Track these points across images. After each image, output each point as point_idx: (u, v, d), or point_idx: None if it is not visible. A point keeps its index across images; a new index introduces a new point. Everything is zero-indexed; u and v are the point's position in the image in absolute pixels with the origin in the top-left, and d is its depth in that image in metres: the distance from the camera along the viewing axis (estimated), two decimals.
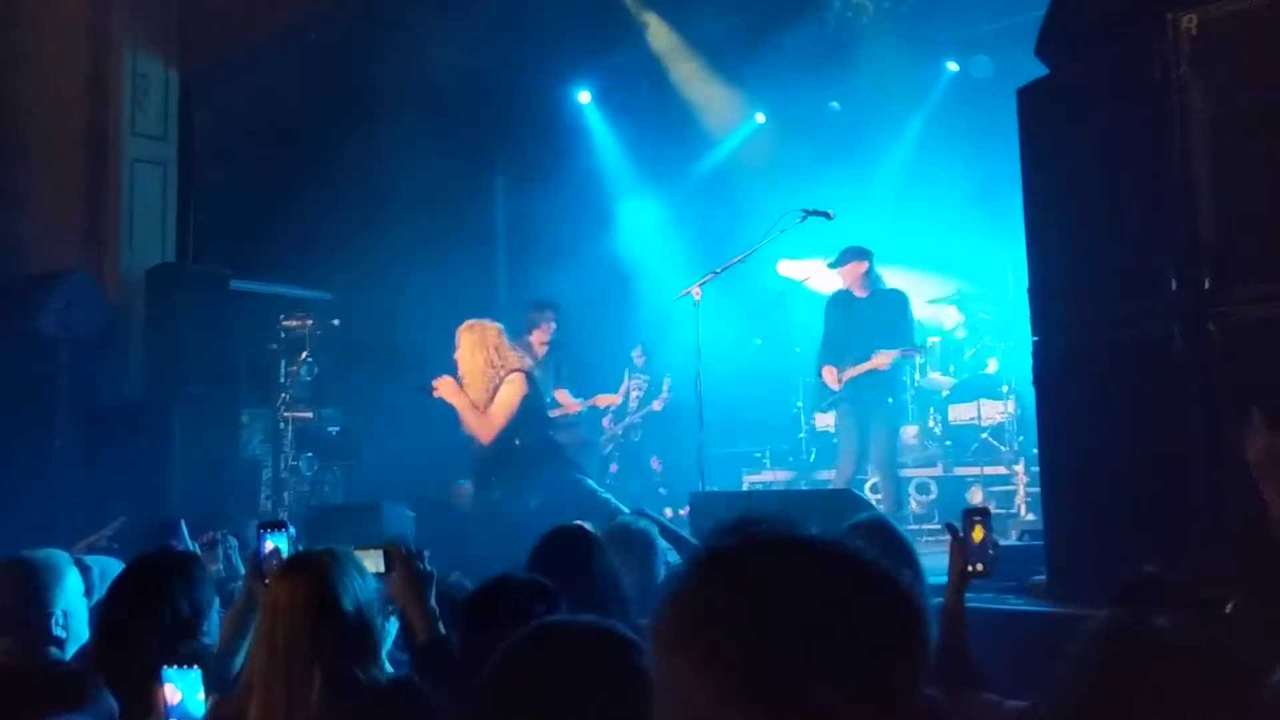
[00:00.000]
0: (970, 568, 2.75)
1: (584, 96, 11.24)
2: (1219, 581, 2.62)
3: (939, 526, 7.60)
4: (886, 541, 2.74)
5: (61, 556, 2.83)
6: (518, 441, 5.84)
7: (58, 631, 2.66)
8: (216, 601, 3.02)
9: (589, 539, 3.13)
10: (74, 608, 2.75)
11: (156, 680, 2.12)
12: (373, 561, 2.59)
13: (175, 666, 2.14)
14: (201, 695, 2.17)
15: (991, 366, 8.68)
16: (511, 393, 5.78)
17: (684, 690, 0.91)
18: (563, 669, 1.40)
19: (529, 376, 5.91)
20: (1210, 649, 1.38)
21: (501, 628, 2.20)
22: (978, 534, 2.76)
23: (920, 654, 0.94)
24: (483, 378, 5.83)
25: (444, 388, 5.89)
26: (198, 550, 3.80)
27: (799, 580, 0.92)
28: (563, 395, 7.96)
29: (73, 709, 2.03)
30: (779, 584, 0.91)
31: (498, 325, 6.05)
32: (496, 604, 2.33)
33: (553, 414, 7.30)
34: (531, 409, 5.90)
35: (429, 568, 2.66)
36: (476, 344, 5.88)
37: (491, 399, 5.82)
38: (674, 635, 0.94)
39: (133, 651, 2.59)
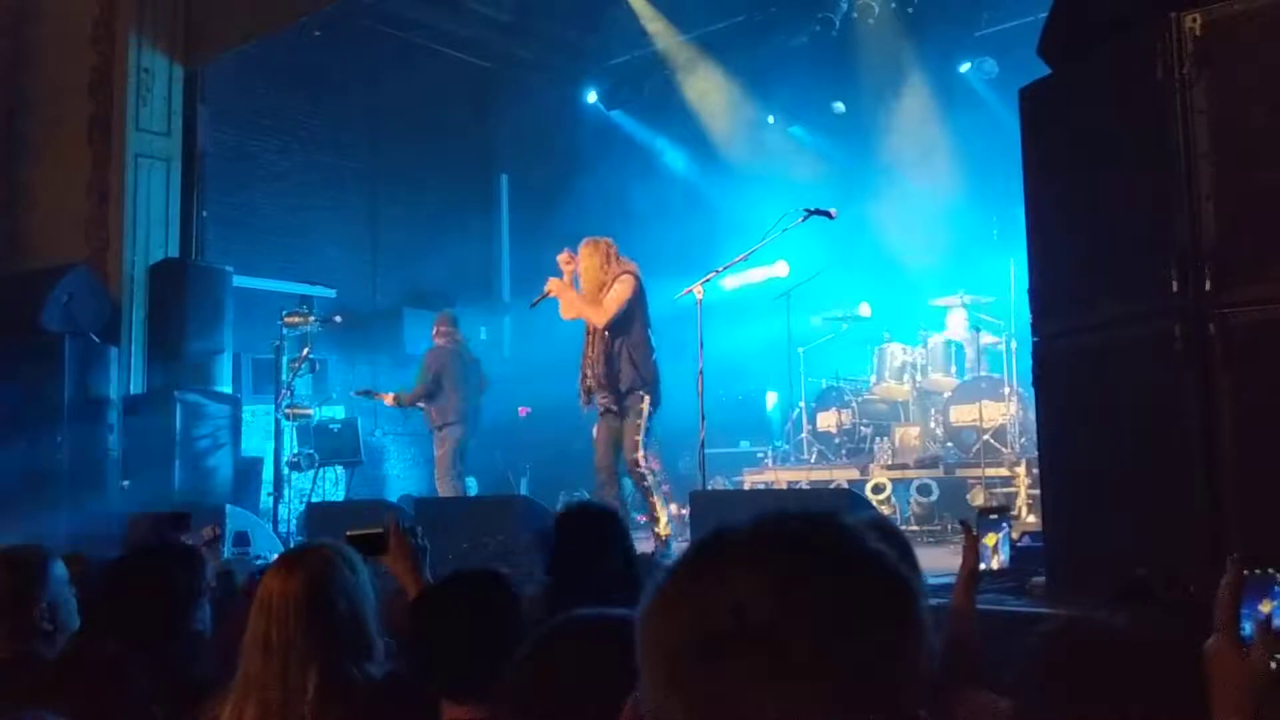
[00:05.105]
0: (984, 566, 2.75)
1: (589, 95, 11.25)
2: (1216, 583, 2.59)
3: (939, 527, 7.63)
4: (884, 540, 2.73)
5: (42, 549, 2.82)
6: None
7: (44, 625, 2.65)
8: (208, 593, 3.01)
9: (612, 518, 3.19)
10: (60, 600, 2.74)
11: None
12: (369, 544, 2.69)
13: None
14: None
15: (992, 367, 8.67)
16: (623, 289, 6.47)
17: (655, 690, 0.88)
18: (590, 661, 1.40)
19: (638, 279, 6.57)
20: (1163, 645, 1.36)
21: (455, 622, 2.23)
22: (990, 540, 2.76)
23: (911, 651, 0.86)
24: (595, 280, 6.56)
25: (555, 286, 6.64)
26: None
27: (759, 572, 0.85)
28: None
29: (47, 704, 2.02)
30: (736, 577, 0.85)
31: (610, 239, 6.77)
32: (449, 599, 2.35)
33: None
34: (637, 306, 6.56)
35: (423, 542, 2.80)
36: (594, 252, 6.62)
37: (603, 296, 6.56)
38: (645, 635, 0.91)
39: (122, 643, 2.58)
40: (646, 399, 6.49)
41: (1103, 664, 1.35)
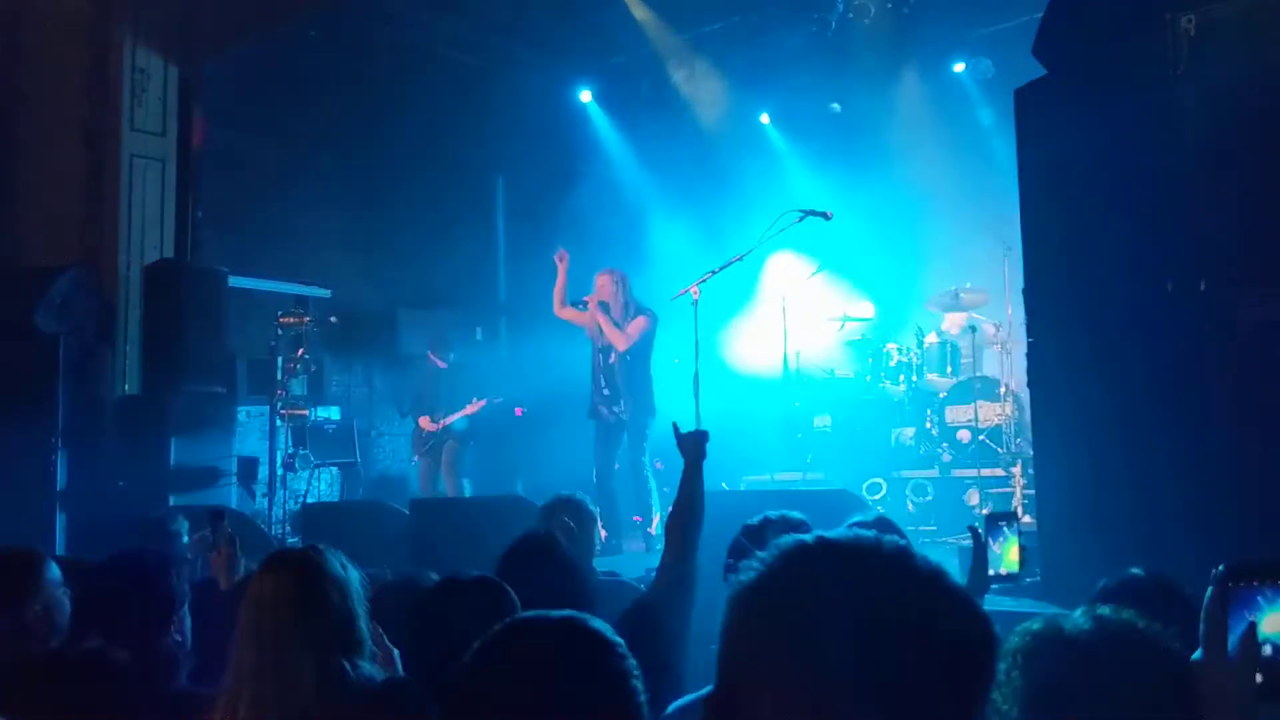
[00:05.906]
0: (993, 572, 2.76)
1: (585, 95, 11.24)
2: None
3: (934, 528, 7.63)
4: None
5: (38, 552, 2.82)
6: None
7: (37, 627, 2.64)
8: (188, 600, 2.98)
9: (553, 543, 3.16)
10: (54, 602, 2.73)
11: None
12: None
13: None
14: None
15: (989, 368, 8.67)
16: (646, 322, 7.37)
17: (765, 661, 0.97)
18: (535, 664, 1.40)
19: (654, 316, 7.45)
20: (1128, 650, 1.35)
21: (452, 629, 2.22)
22: (999, 547, 2.76)
23: (989, 674, 0.98)
24: (619, 306, 7.37)
25: (594, 305, 7.41)
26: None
27: (894, 588, 0.97)
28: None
29: (41, 705, 2.01)
30: (872, 588, 0.96)
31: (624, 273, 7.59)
32: (445, 606, 2.34)
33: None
34: (652, 341, 7.46)
35: (389, 645, 2.65)
36: (614, 281, 7.42)
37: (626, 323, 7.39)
38: (769, 613, 0.99)
39: (103, 645, 2.57)
40: (650, 421, 7.37)
41: (1076, 672, 1.35)
